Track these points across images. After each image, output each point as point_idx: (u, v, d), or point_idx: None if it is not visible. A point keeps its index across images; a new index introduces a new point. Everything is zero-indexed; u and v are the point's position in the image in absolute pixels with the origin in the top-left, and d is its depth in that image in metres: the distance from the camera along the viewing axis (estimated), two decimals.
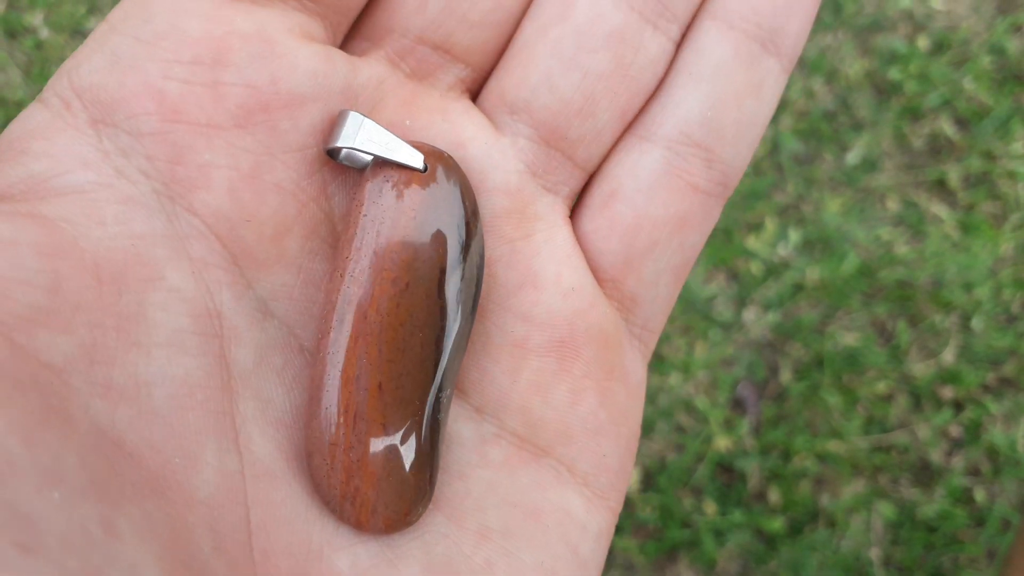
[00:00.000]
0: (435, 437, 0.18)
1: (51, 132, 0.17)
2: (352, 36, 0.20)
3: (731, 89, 0.20)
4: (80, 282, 0.15)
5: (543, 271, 0.20)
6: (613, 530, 0.20)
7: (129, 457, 0.15)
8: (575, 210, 0.21)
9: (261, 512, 0.17)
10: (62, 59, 0.87)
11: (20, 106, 0.84)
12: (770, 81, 0.21)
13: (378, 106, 0.19)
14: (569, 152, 0.21)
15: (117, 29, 0.17)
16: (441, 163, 0.19)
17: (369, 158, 0.19)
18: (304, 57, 0.18)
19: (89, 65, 0.17)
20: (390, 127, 0.19)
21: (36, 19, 0.88)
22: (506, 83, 0.20)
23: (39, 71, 0.86)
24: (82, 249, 0.16)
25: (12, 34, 0.88)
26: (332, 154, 0.19)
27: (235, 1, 0.18)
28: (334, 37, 0.19)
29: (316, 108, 0.18)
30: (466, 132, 0.20)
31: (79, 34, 0.88)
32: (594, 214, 0.21)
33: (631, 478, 0.21)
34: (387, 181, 0.18)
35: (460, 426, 0.19)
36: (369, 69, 0.19)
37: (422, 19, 0.20)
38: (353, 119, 0.18)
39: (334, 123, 0.18)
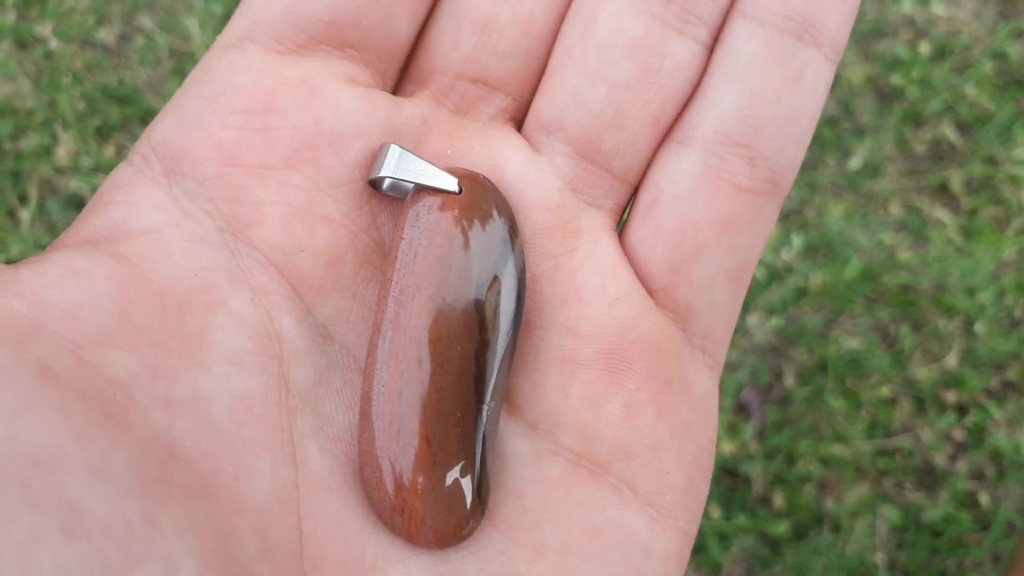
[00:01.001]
0: (480, 449, 0.18)
1: (130, 184, 0.19)
2: (403, 81, 0.21)
3: (767, 84, 0.20)
4: (146, 307, 0.17)
5: (586, 284, 0.20)
6: (686, 554, 0.20)
7: (182, 463, 0.16)
8: (624, 223, 0.21)
9: (314, 522, 0.17)
10: (71, 69, 0.88)
11: (30, 115, 0.85)
12: (810, 72, 0.20)
13: (423, 141, 0.20)
14: (606, 164, 0.21)
15: (186, 91, 0.20)
16: (475, 184, 0.19)
17: (412, 187, 0.20)
18: (345, 99, 0.19)
19: (163, 125, 0.19)
20: (433, 158, 0.20)
21: (46, 29, 0.89)
22: (540, 105, 0.21)
23: (48, 81, 0.87)
24: (149, 279, 0.17)
25: (22, 44, 0.89)
26: (375, 185, 0.20)
27: (284, 55, 0.20)
28: (383, 81, 0.21)
29: (359, 144, 0.20)
30: (503, 155, 0.21)
31: (88, 44, 0.89)
32: (638, 224, 0.21)
33: (705, 499, 0.21)
34: (424, 205, 0.19)
35: (516, 443, 0.19)
36: (413, 108, 0.21)
37: (458, 56, 0.21)
38: (390, 151, 0.19)
39: (375, 156, 0.20)
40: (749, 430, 0.78)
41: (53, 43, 0.88)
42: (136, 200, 0.18)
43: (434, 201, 0.19)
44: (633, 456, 0.19)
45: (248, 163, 0.19)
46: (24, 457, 0.14)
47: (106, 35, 0.90)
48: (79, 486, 0.14)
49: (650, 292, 0.21)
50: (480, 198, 0.19)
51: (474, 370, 0.18)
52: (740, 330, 0.81)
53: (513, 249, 0.19)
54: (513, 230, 0.20)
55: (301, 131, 0.19)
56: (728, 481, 0.77)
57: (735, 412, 0.79)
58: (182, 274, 0.18)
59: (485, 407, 0.19)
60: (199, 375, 0.17)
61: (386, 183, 0.20)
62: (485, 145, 0.21)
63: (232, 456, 0.17)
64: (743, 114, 0.20)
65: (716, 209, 0.20)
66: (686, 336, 0.21)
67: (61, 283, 0.16)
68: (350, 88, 0.20)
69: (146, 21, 0.90)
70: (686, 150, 0.20)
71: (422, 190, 0.19)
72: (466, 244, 0.19)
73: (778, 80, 0.20)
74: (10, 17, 0.89)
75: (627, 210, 0.22)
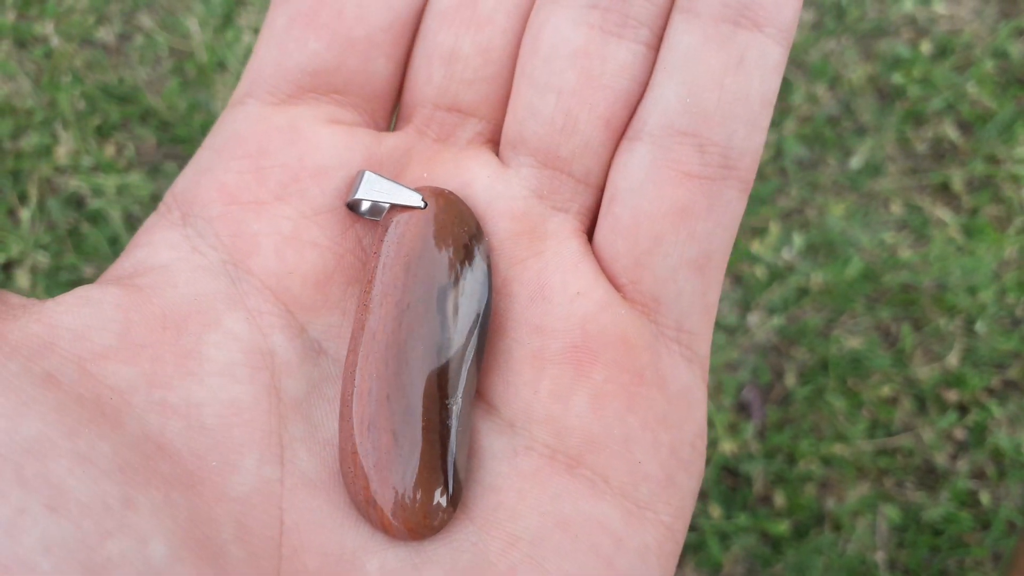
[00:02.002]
0: (445, 443, 0.19)
1: (155, 229, 0.21)
2: (398, 119, 0.24)
3: (706, 72, 0.21)
4: (147, 327, 0.19)
5: (550, 282, 0.21)
6: (671, 549, 0.20)
7: (168, 457, 0.18)
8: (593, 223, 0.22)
9: (296, 515, 0.19)
10: (71, 68, 0.87)
11: (29, 115, 0.85)
12: (752, 56, 0.21)
13: (404, 169, 0.22)
14: (567, 169, 0.22)
15: (202, 146, 0.22)
16: (439, 198, 0.21)
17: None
18: (326, 136, 0.22)
19: (183, 177, 0.22)
20: (411, 182, 0.22)
21: (46, 28, 0.89)
22: (506, 123, 0.22)
23: (48, 80, 0.87)
24: (152, 303, 0.20)
25: (22, 43, 0.89)
26: (353, 208, 0.21)
27: (276, 105, 0.22)
28: (372, 120, 0.23)
29: (340, 175, 0.22)
30: (471, 173, 0.22)
31: (88, 43, 0.89)
32: (601, 222, 0.21)
33: (692, 493, 0.21)
34: (394, 221, 0.21)
35: (492, 440, 0.20)
36: (396, 140, 0.23)
37: (432, 89, 0.23)
38: (364, 177, 0.21)
39: (351, 183, 0.22)
40: (750, 429, 0.78)
41: (54, 42, 0.88)
42: (156, 241, 0.21)
43: (403, 217, 0.21)
44: (603, 448, 0.20)
45: (245, 200, 0.21)
46: (19, 446, 0.16)
47: (106, 34, 0.90)
48: (64, 471, 0.16)
49: (618, 287, 0.21)
50: (444, 210, 0.21)
51: (437, 368, 0.20)
52: (741, 329, 0.81)
53: (476, 254, 0.21)
54: (476, 237, 0.21)
55: (288, 168, 0.21)
56: (729, 480, 0.77)
57: (736, 411, 0.79)
58: (182, 299, 0.20)
59: (451, 403, 0.20)
60: (192, 384, 0.19)
61: (364, 206, 0.21)
62: (458, 166, 0.22)
63: (219, 453, 0.18)
64: (685, 103, 0.21)
65: (668, 199, 0.21)
66: (658, 328, 0.21)
67: (74, 310, 0.19)
68: (332, 127, 0.22)
69: (146, 20, 0.90)
70: (636, 145, 0.21)
71: (395, 209, 0.21)
72: (429, 252, 0.21)
73: (718, 66, 0.21)
74: (10, 16, 0.89)
75: None
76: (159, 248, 0.21)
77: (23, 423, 0.16)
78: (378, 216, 0.21)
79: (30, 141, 0.84)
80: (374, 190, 0.21)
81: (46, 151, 0.84)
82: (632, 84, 0.21)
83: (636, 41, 0.21)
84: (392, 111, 0.23)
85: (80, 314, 0.19)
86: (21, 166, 0.84)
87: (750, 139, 0.21)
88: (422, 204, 0.21)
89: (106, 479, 0.17)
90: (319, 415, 0.20)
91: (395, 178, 0.22)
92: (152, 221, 0.22)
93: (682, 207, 0.21)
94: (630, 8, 0.21)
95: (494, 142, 0.23)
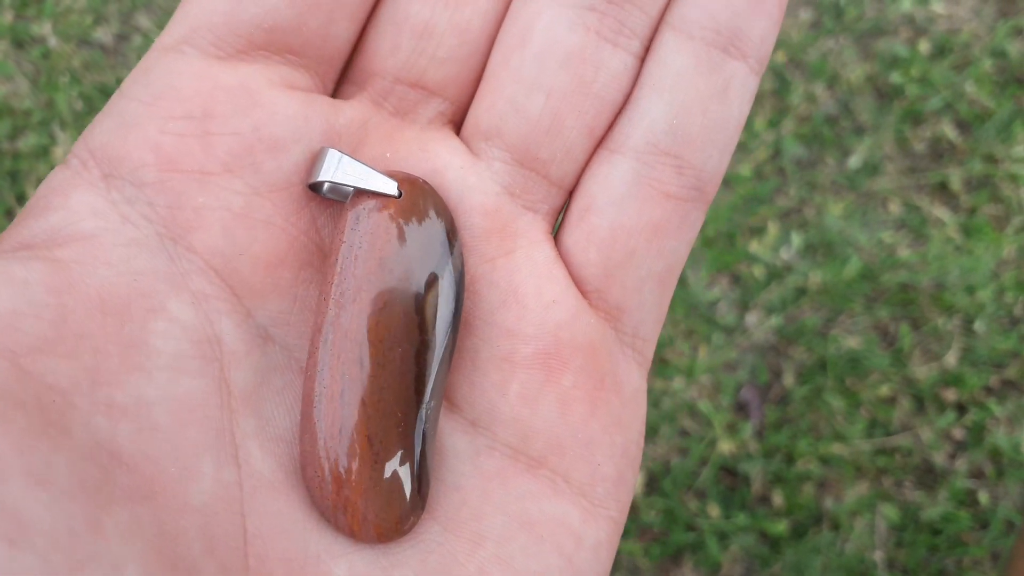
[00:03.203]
0: (421, 448, 0.19)
1: (69, 188, 0.19)
2: (343, 83, 0.22)
3: (694, 96, 0.21)
4: (85, 314, 0.17)
5: (523, 286, 0.21)
6: (616, 540, 0.21)
7: (125, 466, 0.16)
8: (558, 227, 0.22)
9: (258, 521, 0.18)
10: (69, 68, 0.87)
11: (27, 115, 0.85)
12: (736, 84, 0.21)
13: (361, 144, 0.21)
14: (543, 171, 0.21)
15: (124, 94, 0.20)
16: (415, 188, 0.20)
17: (351, 190, 0.20)
18: (283, 104, 0.20)
19: (101, 128, 0.19)
20: (372, 161, 0.21)
21: (44, 29, 0.89)
22: (478, 111, 0.22)
23: (46, 80, 0.87)
24: (88, 285, 0.17)
25: (20, 44, 0.88)
26: (315, 189, 0.20)
27: (222, 60, 0.20)
28: (323, 85, 0.21)
29: (297, 149, 0.20)
30: (441, 159, 0.21)
31: (86, 43, 0.89)
32: (572, 228, 0.21)
33: (634, 487, 0.22)
34: (364, 208, 0.20)
35: (455, 440, 0.20)
36: (352, 111, 0.21)
37: (396, 60, 0.21)
38: (330, 155, 0.20)
39: (314, 160, 0.20)
40: (748, 429, 0.78)
41: (52, 42, 0.88)
42: (74, 205, 0.18)
43: (374, 204, 0.20)
44: (567, 450, 0.20)
45: (188, 168, 0.19)
46: None
47: (104, 35, 0.89)
48: (19, 494, 0.14)
49: (583, 293, 0.21)
50: (419, 201, 0.20)
51: (414, 370, 0.19)
52: (739, 329, 0.81)
53: (452, 252, 0.20)
54: (452, 233, 0.20)
55: (240, 137, 0.19)
56: (727, 480, 0.77)
57: (734, 411, 0.79)
58: (121, 280, 0.18)
59: (424, 406, 0.19)
60: (140, 380, 0.17)
61: (326, 187, 0.20)
62: (424, 148, 0.21)
63: (175, 458, 0.17)
64: (671, 124, 0.21)
65: (646, 216, 0.21)
66: (617, 335, 0.22)
67: None
68: (288, 93, 0.20)
69: (144, 20, 0.90)
70: (618, 158, 0.21)
71: (363, 194, 0.20)
72: (406, 247, 0.19)
73: (705, 92, 0.21)
74: (8, 17, 0.89)
75: (561, 214, 0.22)
76: (79, 213, 0.18)
77: None
78: (339, 197, 0.20)
79: (28, 142, 0.84)
80: (343, 172, 0.19)
81: (44, 152, 0.84)
82: (618, 95, 0.21)
83: (628, 52, 0.21)
84: (339, 76, 0.22)
85: (4, 298, 0.17)
86: (19, 167, 0.83)
87: (721, 164, 0.22)
88: (396, 192, 0.20)
89: (68, 500, 0.15)
90: (269, 409, 0.19)
91: (353, 154, 0.21)
92: (62, 178, 0.19)
93: (656, 224, 0.21)
94: (627, 16, 0.21)
95: (454, 124, 0.22)
